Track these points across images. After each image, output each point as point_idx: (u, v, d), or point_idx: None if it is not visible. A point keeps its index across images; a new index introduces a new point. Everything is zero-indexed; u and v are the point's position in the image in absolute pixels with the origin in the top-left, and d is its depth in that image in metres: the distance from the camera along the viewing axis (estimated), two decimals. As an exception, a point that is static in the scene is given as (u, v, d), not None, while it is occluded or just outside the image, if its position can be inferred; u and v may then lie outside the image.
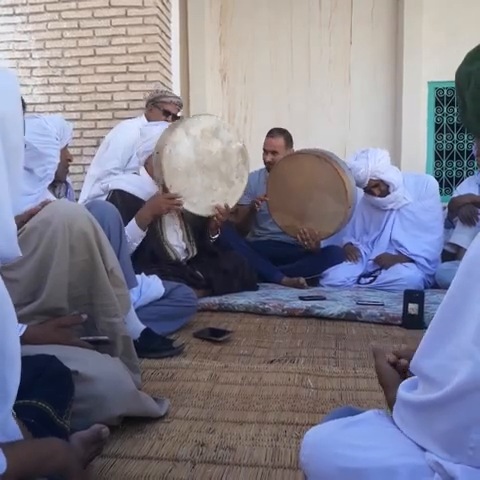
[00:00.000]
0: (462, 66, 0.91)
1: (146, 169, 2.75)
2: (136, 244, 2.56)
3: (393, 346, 2.13)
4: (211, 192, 2.76)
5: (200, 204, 2.73)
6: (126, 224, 2.50)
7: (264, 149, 3.47)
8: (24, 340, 1.34)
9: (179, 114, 3.41)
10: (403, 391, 0.84)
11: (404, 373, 0.97)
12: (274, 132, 3.49)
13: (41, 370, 1.18)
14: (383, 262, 3.20)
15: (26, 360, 1.21)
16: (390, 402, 0.96)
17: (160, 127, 2.75)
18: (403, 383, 0.86)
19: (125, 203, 2.58)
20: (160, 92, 3.39)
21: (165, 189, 2.63)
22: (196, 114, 2.91)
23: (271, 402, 1.58)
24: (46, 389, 1.15)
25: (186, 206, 2.67)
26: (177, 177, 2.64)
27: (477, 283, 0.74)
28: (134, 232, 2.53)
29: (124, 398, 1.33)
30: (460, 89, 0.91)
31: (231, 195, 2.83)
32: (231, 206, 2.83)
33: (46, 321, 1.44)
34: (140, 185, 2.72)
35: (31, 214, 1.53)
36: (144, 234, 2.59)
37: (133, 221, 2.55)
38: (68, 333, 1.43)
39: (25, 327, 1.37)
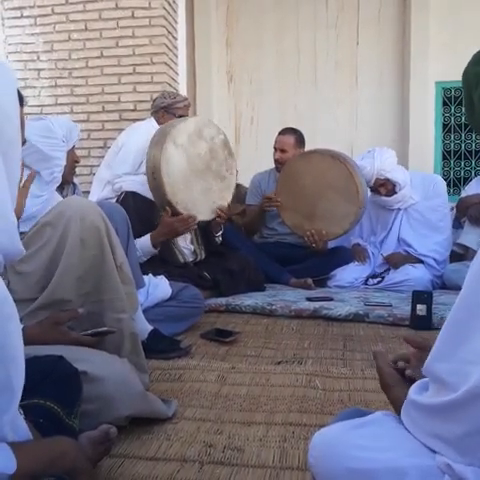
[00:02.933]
0: (469, 67, 0.90)
1: None
2: (145, 259, 2.53)
3: (401, 347, 2.12)
4: (210, 193, 2.74)
5: (205, 211, 2.72)
6: (138, 227, 2.49)
7: (274, 147, 3.47)
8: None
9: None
10: (414, 393, 0.83)
11: (403, 375, 0.98)
12: (285, 130, 3.49)
13: (49, 370, 1.19)
14: (393, 261, 3.18)
15: (34, 360, 1.22)
16: (393, 400, 0.96)
17: None
18: (414, 385, 0.85)
19: (137, 205, 2.58)
20: (171, 98, 3.36)
21: (172, 208, 2.58)
22: (173, 123, 2.80)
23: (279, 403, 1.57)
24: (54, 389, 1.15)
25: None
26: (179, 192, 2.61)
27: None
28: (146, 249, 2.52)
29: (132, 399, 1.33)
30: (468, 90, 0.90)
31: (226, 190, 2.82)
32: (228, 200, 2.82)
33: (43, 319, 1.41)
34: None
35: None
36: (156, 252, 2.57)
37: (147, 239, 2.52)
38: (65, 330, 1.40)
39: (21, 327, 1.35)
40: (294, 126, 3.64)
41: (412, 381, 0.99)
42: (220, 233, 2.88)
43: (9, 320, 0.82)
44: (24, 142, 1.17)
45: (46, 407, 1.10)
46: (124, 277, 1.51)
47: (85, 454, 1.02)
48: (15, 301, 1.52)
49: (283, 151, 3.41)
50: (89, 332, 1.44)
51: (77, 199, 1.57)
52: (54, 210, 1.44)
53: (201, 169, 2.71)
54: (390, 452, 0.82)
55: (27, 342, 1.31)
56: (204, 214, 2.72)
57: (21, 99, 1.00)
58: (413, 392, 0.84)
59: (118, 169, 3.17)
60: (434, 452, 0.79)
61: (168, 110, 3.29)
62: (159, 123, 3.31)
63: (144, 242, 2.52)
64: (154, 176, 2.55)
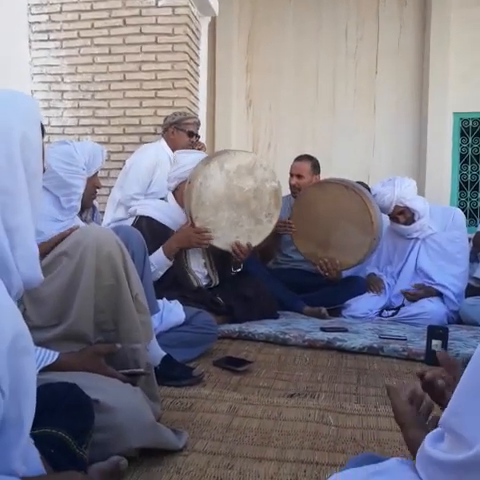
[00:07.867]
0: None
1: (175, 196, 2.77)
2: (161, 273, 2.56)
3: (415, 383, 2.08)
4: (236, 228, 2.76)
5: (223, 238, 2.73)
6: (151, 251, 2.51)
7: (290, 173, 3.48)
8: (57, 368, 1.34)
9: (199, 133, 3.49)
10: (429, 446, 0.81)
11: (442, 395, 0.98)
12: (301, 157, 3.52)
13: (62, 398, 1.18)
14: (411, 297, 3.13)
15: (47, 387, 1.22)
16: (408, 441, 0.94)
17: (194, 156, 2.76)
18: (428, 436, 0.83)
19: (151, 230, 2.59)
20: (180, 115, 3.42)
21: (191, 220, 2.64)
22: (233, 149, 2.92)
23: (291, 439, 1.55)
24: (67, 418, 1.14)
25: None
26: (204, 210, 2.66)
27: None
28: (161, 262, 2.54)
29: (143, 430, 1.31)
30: None
31: (256, 233, 2.82)
32: (254, 245, 2.81)
33: (83, 349, 1.44)
34: (168, 213, 2.73)
35: (61, 237, 1.54)
36: (171, 264, 2.59)
37: (160, 251, 2.55)
38: (103, 363, 1.43)
39: (57, 355, 1.37)
40: (311, 152, 3.66)
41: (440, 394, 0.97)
42: (238, 270, 2.87)
43: (24, 354, 0.82)
44: (44, 170, 1.21)
45: (57, 437, 1.09)
46: (139, 306, 1.51)
47: (95, 488, 1.01)
48: (30, 328, 1.52)
49: (300, 176, 3.42)
50: (126, 372, 1.46)
51: (94, 228, 1.58)
52: (70, 239, 1.45)
53: (238, 202, 2.75)
54: (406, 504, 0.80)
55: (65, 370, 1.33)
56: (221, 242, 2.73)
57: (42, 130, 1.03)
58: (428, 444, 0.81)
59: (128, 190, 3.23)
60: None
61: (178, 126, 3.35)
62: (169, 141, 3.35)
63: (157, 254, 2.53)
64: (189, 181, 2.64)
